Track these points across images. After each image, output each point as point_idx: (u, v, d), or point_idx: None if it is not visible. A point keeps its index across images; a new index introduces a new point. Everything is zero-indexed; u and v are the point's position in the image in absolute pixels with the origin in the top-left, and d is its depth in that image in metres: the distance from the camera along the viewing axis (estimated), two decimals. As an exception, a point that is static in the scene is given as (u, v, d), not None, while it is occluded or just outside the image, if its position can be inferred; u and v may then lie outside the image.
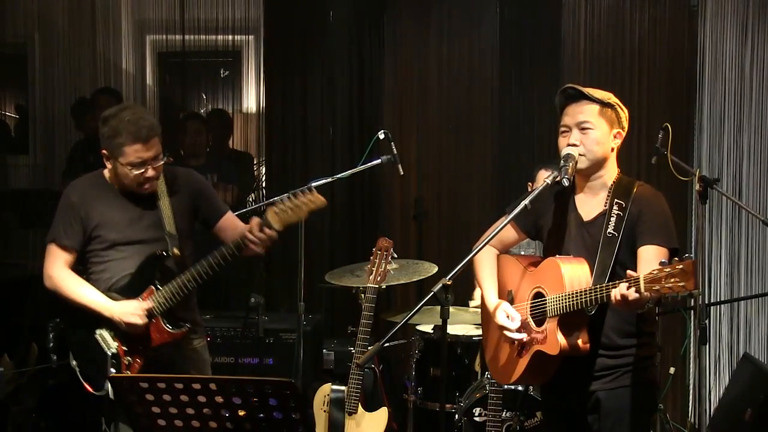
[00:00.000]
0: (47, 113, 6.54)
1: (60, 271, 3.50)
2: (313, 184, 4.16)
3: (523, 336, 3.05)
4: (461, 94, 6.25)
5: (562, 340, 2.94)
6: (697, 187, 4.22)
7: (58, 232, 3.52)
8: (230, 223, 3.68)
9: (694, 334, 4.49)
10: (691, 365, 5.79)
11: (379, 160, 4.39)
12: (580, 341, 2.94)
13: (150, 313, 3.43)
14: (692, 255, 2.69)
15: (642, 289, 2.69)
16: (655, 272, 2.66)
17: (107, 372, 3.35)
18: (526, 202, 2.94)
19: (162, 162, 3.46)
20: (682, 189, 5.55)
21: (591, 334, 2.98)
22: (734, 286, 5.89)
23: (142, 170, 3.41)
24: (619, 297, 2.76)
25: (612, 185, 3.07)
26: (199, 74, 6.68)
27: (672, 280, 2.62)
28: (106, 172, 3.57)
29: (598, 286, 2.85)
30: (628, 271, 2.80)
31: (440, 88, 6.26)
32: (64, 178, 6.06)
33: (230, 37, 6.46)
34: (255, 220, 3.38)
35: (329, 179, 4.31)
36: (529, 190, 4.27)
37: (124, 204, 3.54)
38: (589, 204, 3.11)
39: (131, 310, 3.41)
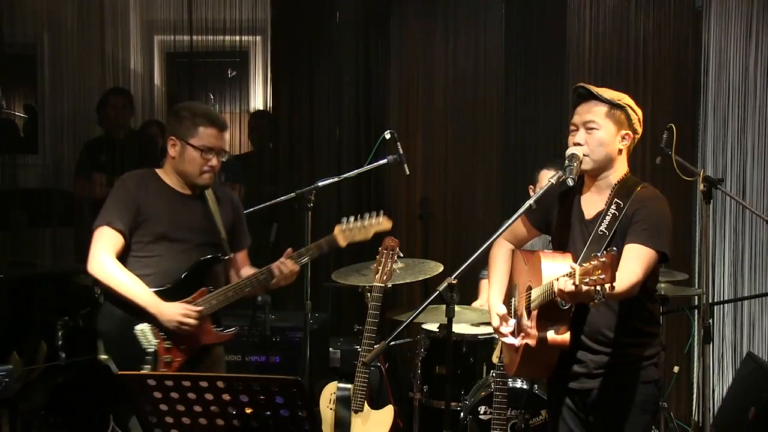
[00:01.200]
0: (56, 113, 6.56)
1: (108, 257, 3.39)
2: (320, 184, 4.21)
3: (515, 341, 3.07)
4: (467, 94, 6.26)
5: (536, 332, 2.95)
6: (701, 187, 4.23)
7: (111, 216, 3.43)
8: (244, 259, 3.71)
9: (698, 333, 4.50)
10: (695, 364, 5.79)
11: (386, 160, 4.40)
12: (552, 332, 2.93)
13: (201, 315, 3.41)
14: (615, 249, 2.59)
15: (577, 281, 2.59)
16: (586, 264, 2.58)
17: (142, 368, 3.31)
18: (530, 201, 2.94)
19: (223, 159, 3.55)
20: (686, 189, 5.56)
21: (582, 331, 3.00)
22: (738, 285, 5.90)
23: (210, 157, 3.47)
24: (558, 288, 2.72)
25: (616, 185, 3.07)
26: (206, 74, 6.69)
27: (597, 272, 2.53)
28: (160, 171, 3.57)
29: (553, 279, 2.79)
30: (569, 263, 2.78)
31: (446, 89, 6.27)
32: (76, 177, 6.10)
33: (238, 37, 6.47)
34: (288, 253, 3.48)
35: (336, 179, 4.34)
36: (531, 193, 4.29)
37: (177, 201, 3.54)
38: (593, 202, 3.11)
39: (183, 311, 3.37)
